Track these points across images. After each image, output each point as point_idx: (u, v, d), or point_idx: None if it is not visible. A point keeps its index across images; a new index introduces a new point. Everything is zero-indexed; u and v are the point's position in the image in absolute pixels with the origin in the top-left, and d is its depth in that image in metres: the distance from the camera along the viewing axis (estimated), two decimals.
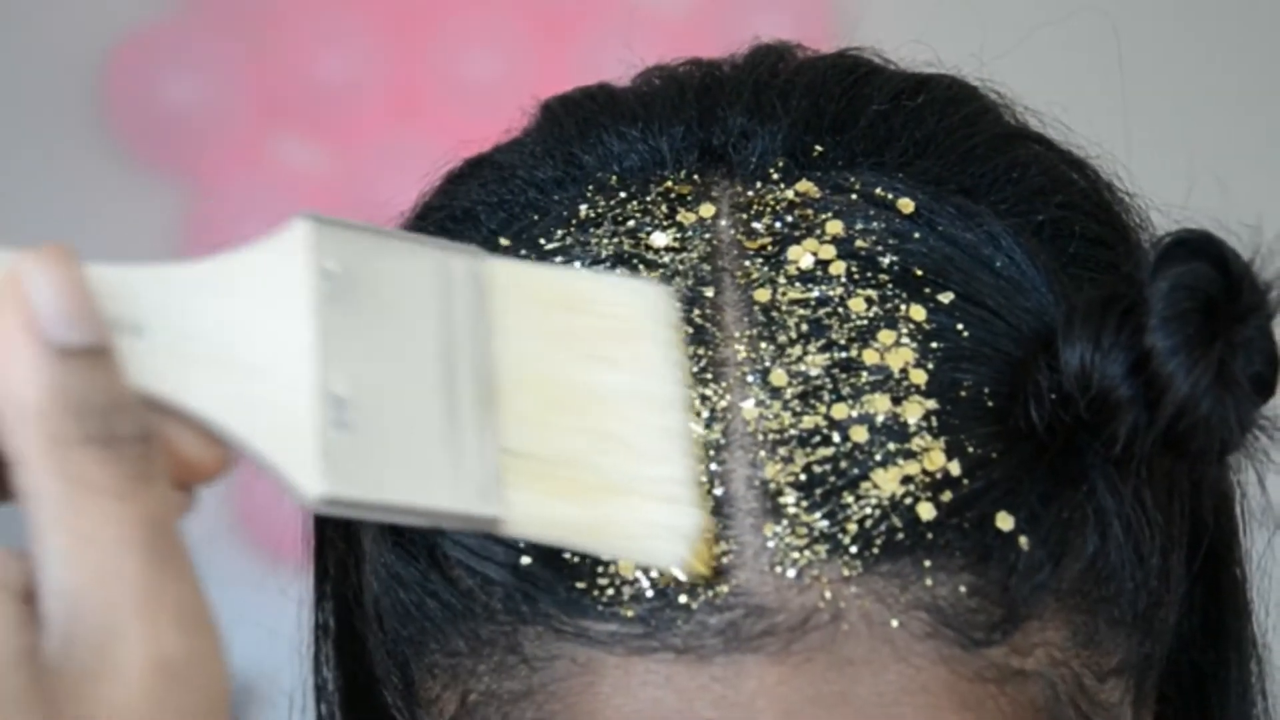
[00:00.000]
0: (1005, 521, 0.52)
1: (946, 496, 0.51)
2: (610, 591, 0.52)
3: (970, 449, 0.52)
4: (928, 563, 0.51)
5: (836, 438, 0.51)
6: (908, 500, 0.51)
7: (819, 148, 0.57)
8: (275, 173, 2.87)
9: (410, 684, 0.57)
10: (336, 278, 0.50)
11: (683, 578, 0.52)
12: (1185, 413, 0.51)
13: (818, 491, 0.51)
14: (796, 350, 0.53)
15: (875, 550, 0.51)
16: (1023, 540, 0.52)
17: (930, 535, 0.51)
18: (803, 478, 0.51)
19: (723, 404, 0.52)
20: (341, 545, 0.64)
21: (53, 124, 3.03)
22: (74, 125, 3.01)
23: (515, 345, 0.51)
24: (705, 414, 0.52)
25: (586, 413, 0.51)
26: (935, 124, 0.59)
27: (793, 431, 0.52)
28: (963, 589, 0.51)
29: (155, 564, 0.49)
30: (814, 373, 0.52)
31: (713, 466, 0.51)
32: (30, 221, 3.09)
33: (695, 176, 0.57)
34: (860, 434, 0.52)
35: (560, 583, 0.52)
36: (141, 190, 2.99)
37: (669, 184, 0.57)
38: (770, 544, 0.51)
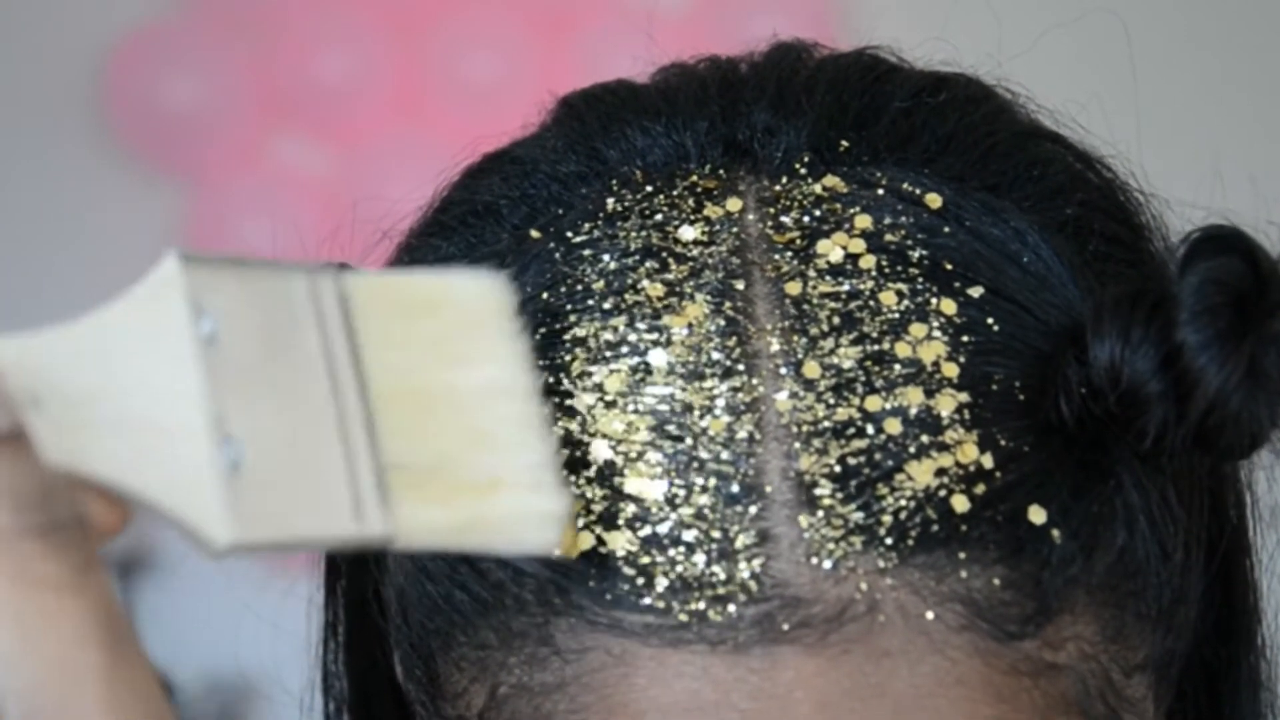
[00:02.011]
0: (1038, 515, 0.52)
1: (980, 489, 0.51)
2: (642, 582, 0.51)
3: (1002, 442, 0.52)
4: (962, 555, 0.51)
5: (870, 430, 0.52)
6: (942, 492, 0.51)
7: (844, 143, 0.58)
8: (275, 173, 2.88)
9: (435, 677, 0.57)
10: (214, 317, 0.51)
11: (554, 557, 0.52)
12: (1216, 408, 0.51)
13: (852, 483, 0.51)
14: (829, 343, 0.53)
15: (910, 542, 0.51)
16: (1055, 533, 0.52)
17: (964, 528, 0.51)
18: (837, 469, 0.51)
19: (756, 396, 0.52)
20: None
21: (53, 124, 3.03)
22: (74, 125, 3.01)
23: (382, 358, 0.51)
24: (739, 406, 0.52)
25: (451, 414, 0.51)
26: (956, 121, 0.59)
27: (826, 424, 0.52)
28: (996, 581, 0.51)
29: (113, 652, 0.48)
30: (847, 365, 0.52)
31: (749, 460, 0.51)
32: (30, 221, 3.09)
33: (720, 171, 0.57)
34: (894, 426, 0.52)
35: (593, 574, 0.52)
36: (141, 190, 2.99)
37: (694, 178, 0.57)
38: (806, 535, 0.51)
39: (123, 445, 0.50)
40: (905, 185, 0.56)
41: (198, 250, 0.52)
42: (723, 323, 0.53)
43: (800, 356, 0.53)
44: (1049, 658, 0.52)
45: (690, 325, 0.54)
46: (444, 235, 0.61)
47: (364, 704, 0.68)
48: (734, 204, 0.56)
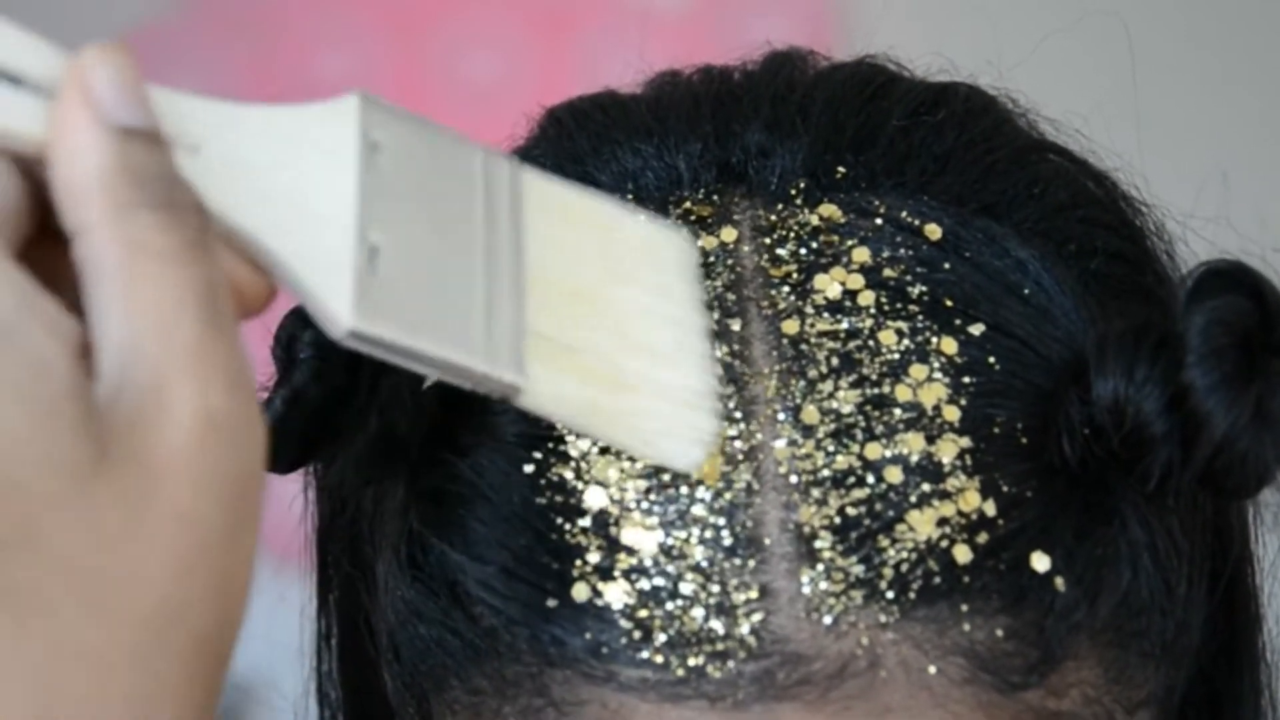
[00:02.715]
0: (1040, 562, 0.51)
1: (982, 538, 0.51)
2: (639, 636, 0.51)
3: (1005, 488, 0.51)
4: (964, 607, 0.50)
5: (870, 479, 0.51)
6: (944, 543, 0.51)
7: (841, 169, 0.57)
8: None
9: (428, 716, 0.56)
10: (381, 149, 0.54)
11: (693, 474, 0.51)
12: (1223, 450, 0.50)
13: (853, 535, 0.51)
14: (828, 386, 0.52)
15: (912, 595, 0.50)
16: (1058, 580, 0.51)
17: (967, 579, 0.51)
18: (837, 521, 0.51)
19: (753, 444, 0.52)
20: (349, 567, 0.64)
21: None
22: None
23: (544, 248, 0.52)
24: (736, 455, 0.51)
25: (606, 317, 0.51)
26: (954, 139, 0.59)
27: (826, 472, 0.51)
28: (999, 632, 0.51)
29: (209, 326, 0.48)
30: (846, 410, 0.52)
31: (747, 512, 0.51)
32: None
33: (714, 197, 0.57)
34: (894, 475, 0.51)
35: (590, 626, 0.51)
36: None
37: (688, 205, 0.57)
38: (806, 590, 0.51)
39: (273, 214, 0.52)
40: (904, 215, 0.55)
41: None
42: (719, 364, 0.53)
43: (798, 401, 0.52)
44: (1052, 706, 0.51)
45: None
46: None
47: (358, 714, 0.68)
48: (729, 234, 0.55)
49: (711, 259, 0.55)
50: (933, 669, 0.50)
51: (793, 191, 0.56)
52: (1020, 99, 0.62)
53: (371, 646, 0.62)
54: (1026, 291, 0.55)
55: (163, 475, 0.46)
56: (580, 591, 0.52)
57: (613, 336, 0.52)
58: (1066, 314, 0.55)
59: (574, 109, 0.62)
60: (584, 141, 0.60)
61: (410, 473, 0.56)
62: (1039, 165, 0.59)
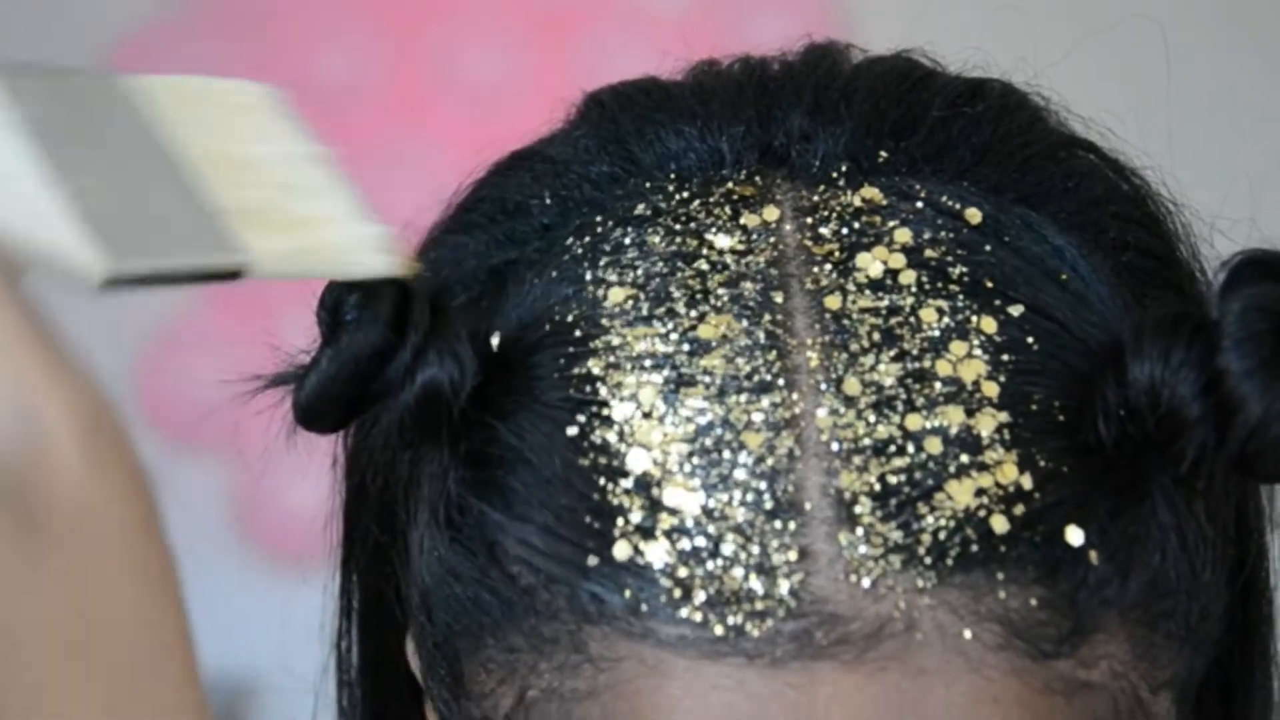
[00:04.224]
0: (1075, 536, 0.52)
1: (1019, 510, 0.52)
2: (679, 594, 0.51)
3: (1041, 463, 0.52)
4: (1000, 575, 0.51)
5: (911, 448, 0.52)
6: (981, 513, 0.51)
7: (882, 153, 0.58)
8: None
9: (460, 677, 0.56)
10: (41, 112, 0.54)
11: (394, 275, 0.54)
12: (1258, 434, 0.51)
13: (892, 502, 0.51)
14: (869, 359, 0.53)
15: (949, 562, 0.51)
16: (1092, 554, 0.52)
17: (1003, 548, 0.51)
18: (877, 488, 0.51)
19: (795, 412, 0.52)
20: (379, 535, 0.64)
21: None
22: None
23: (195, 134, 0.56)
24: (779, 422, 0.52)
25: (259, 173, 0.57)
26: (991, 131, 0.59)
27: (867, 441, 0.52)
28: (1033, 602, 0.51)
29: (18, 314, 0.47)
30: (887, 383, 0.52)
31: (789, 476, 0.52)
32: None
33: (756, 178, 0.57)
34: (934, 445, 0.52)
35: (630, 584, 0.52)
36: None
37: (730, 185, 0.57)
38: (845, 553, 0.51)
39: None
40: (944, 199, 0.56)
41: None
42: (761, 336, 0.53)
43: (840, 373, 0.52)
44: (1082, 676, 0.52)
45: (727, 336, 0.53)
46: (469, 231, 0.61)
47: (377, 690, 0.67)
48: (771, 213, 0.56)
49: (754, 236, 0.55)
50: (968, 634, 0.51)
51: (834, 174, 0.57)
52: (1052, 97, 0.62)
53: (400, 613, 0.62)
54: (1064, 277, 0.55)
55: None
56: (621, 550, 0.52)
57: (276, 188, 0.57)
58: (1103, 301, 0.56)
59: (617, 92, 0.62)
60: (627, 123, 0.60)
61: (451, 436, 0.55)
62: (1072, 160, 0.60)
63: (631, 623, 0.52)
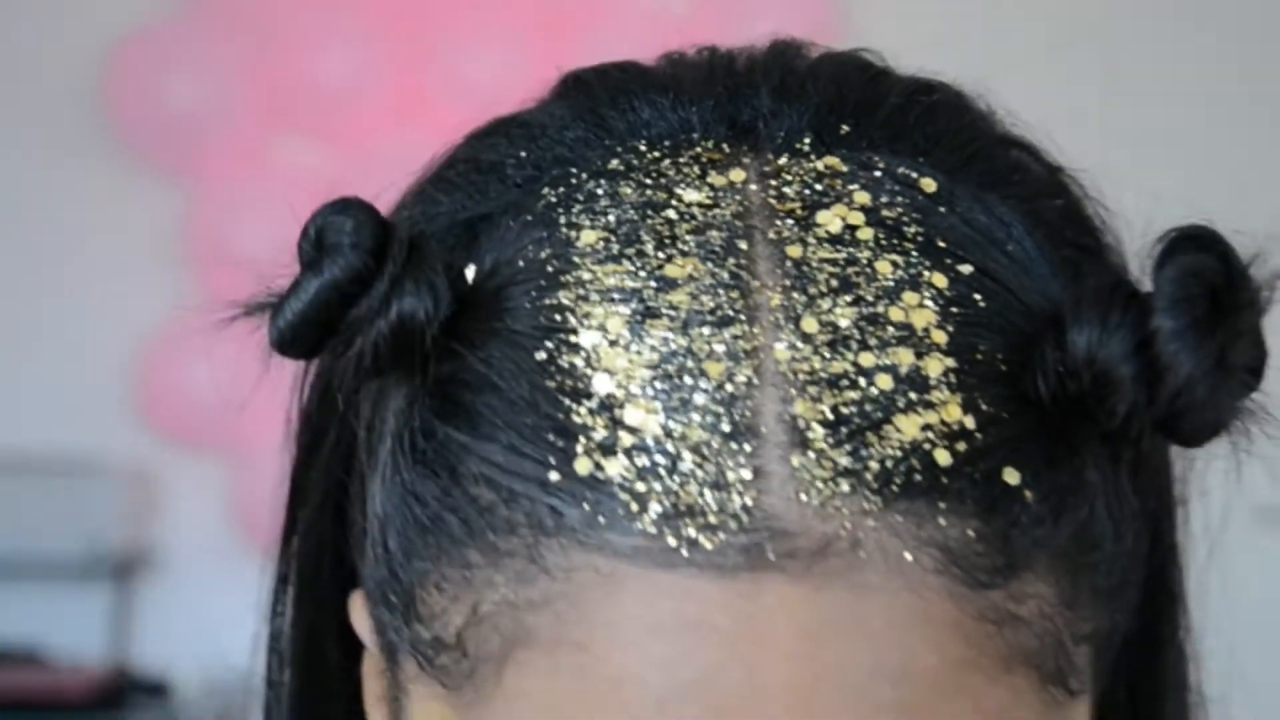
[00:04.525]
0: (1012, 476, 0.54)
1: (961, 447, 0.54)
2: (636, 507, 0.53)
3: (984, 406, 0.54)
4: (941, 504, 0.53)
5: (863, 383, 0.54)
6: (926, 446, 0.54)
7: (844, 127, 0.60)
8: (275, 173, 2.88)
9: (411, 601, 0.58)
10: None
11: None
12: (1184, 393, 0.53)
13: (843, 430, 0.53)
14: (826, 303, 0.55)
15: (894, 488, 0.53)
16: (1027, 494, 0.54)
17: (945, 480, 0.53)
18: (830, 416, 0.54)
19: (755, 345, 0.55)
20: (339, 473, 0.65)
21: (53, 124, 3.03)
22: (74, 125, 3.02)
23: None
24: (739, 353, 0.54)
25: None
26: (946, 123, 0.62)
27: (822, 374, 0.54)
28: (970, 533, 0.54)
29: None
30: (843, 323, 0.55)
31: (746, 402, 0.54)
32: (30, 221, 3.09)
33: (724, 145, 0.60)
34: (885, 382, 0.54)
35: (589, 497, 0.53)
36: (141, 190, 2.99)
37: (699, 150, 0.59)
38: (797, 474, 0.53)
39: None
40: (901, 170, 0.59)
41: None
42: (725, 276, 0.56)
43: (799, 312, 0.55)
44: (1013, 609, 0.54)
45: (693, 276, 0.56)
46: (443, 190, 0.62)
47: (308, 661, 0.69)
48: (737, 174, 0.58)
49: (721, 193, 0.58)
50: (909, 556, 0.53)
51: (798, 145, 0.59)
52: (999, 104, 0.64)
53: (340, 579, 0.65)
54: (1010, 248, 0.58)
55: None
56: (582, 465, 0.53)
57: None
58: (1045, 275, 0.58)
59: (594, 69, 0.65)
60: (602, 94, 0.63)
61: (421, 364, 0.57)
62: (1017, 156, 0.63)
63: (588, 534, 0.53)
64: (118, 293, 2.99)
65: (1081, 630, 0.56)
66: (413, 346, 0.56)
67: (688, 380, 0.54)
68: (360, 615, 0.63)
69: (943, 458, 0.54)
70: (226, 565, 2.91)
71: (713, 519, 0.53)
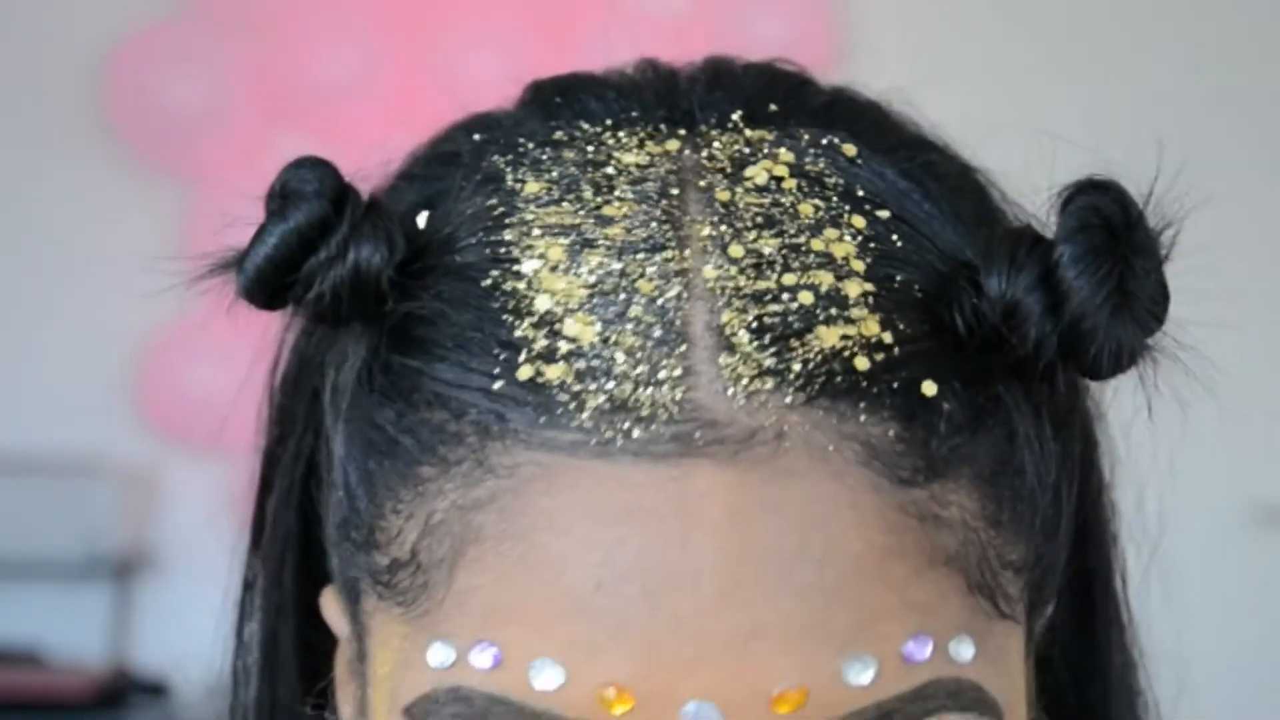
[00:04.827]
0: (929, 388, 0.58)
1: (879, 357, 0.58)
2: (574, 405, 0.57)
3: (901, 326, 0.58)
4: (862, 405, 0.57)
5: (785, 298, 0.58)
6: (846, 353, 0.57)
7: (773, 106, 0.65)
8: (275, 173, 2.88)
9: (371, 532, 0.61)
10: None
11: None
12: (1085, 317, 0.57)
13: (767, 336, 0.57)
14: (752, 235, 0.59)
15: (816, 387, 0.57)
16: (945, 406, 0.58)
17: (864, 384, 0.57)
18: (754, 325, 0.58)
19: (685, 266, 0.59)
20: (302, 425, 0.69)
21: (53, 124, 3.03)
22: (74, 125, 3.02)
23: None
24: (670, 273, 0.59)
25: None
26: (867, 117, 0.66)
27: (747, 290, 0.58)
28: (891, 434, 0.57)
29: None
30: (767, 250, 0.59)
31: (677, 314, 0.58)
32: (30, 221, 3.09)
33: (662, 126, 0.64)
34: (807, 297, 0.58)
35: (530, 400, 0.57)
36: (141, 190, 2.99)
37: (637, 128, 0.64)
38: (724, 372, 0.57)
39: None
40: (824, 139, 0.63)
41: None
42: (658, 213, 0.60)
43: (726, 241, 0.59)
44: (936, 511, 0.58)
45: (627, 215, 0.60)
46: (406, 180, 0.67)
47: (275, 662, 0.71)
48: (672, 144, 0.63)
49: (656, 158, 0.62)
50: (831, 448, 0.56)
51: (729, 123, 0.64)
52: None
53: (311, 572, 0.68)
54: (927, 207, 0.62)
55: None
56: (524, 372, 0.58)
57: None
58: (957, 231, 0.62)
59: (552, 77, 0.70)
60: (551, 91, 0.68)
61: (378, 306, 0.61)
62: (937, 153, 0.67)
63: (530, 433, 0.57)
64: (118, 293, 2.99)
65: (1008, 555, 0.59)
66: (370, 290, 0.60)
67: (622, 296, 0.58)
68: (333, 607, 0.66)
69: (862, 364, 0.57)
70: (226, 565, 2.91)
71: (645, 412, 0.56)
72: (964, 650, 0.57)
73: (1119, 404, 0.66)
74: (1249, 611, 2.79)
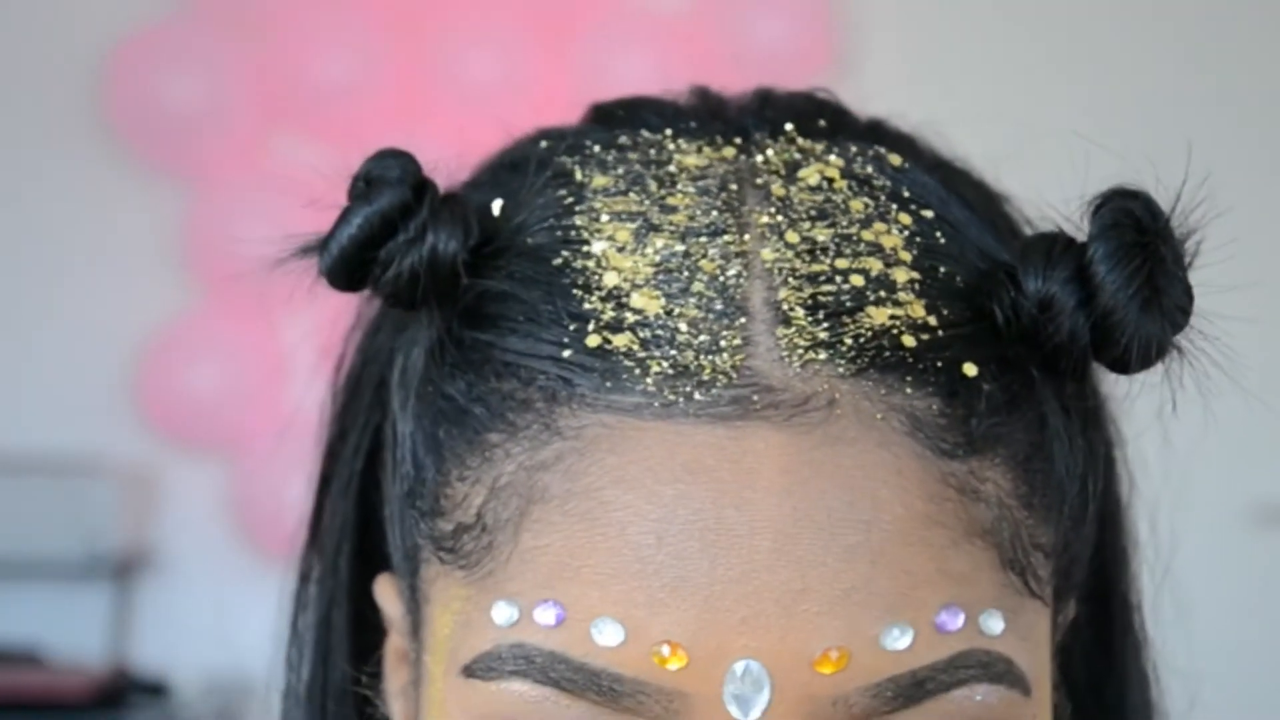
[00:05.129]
0: (971, 369, 0.61)
1: (925, 337, 0.61)
2: (639, 371, 0.60)
3: (945, 311, 0.62)
4: (909, 379, 0.60)
5: (838, 279, 0.62)
6: (894, 331, 0.61)
7: (822, 122, 0.69)
8: (275, 173, 2.88)
9: (437, 500, 0.64)
10: None
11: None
12: (1115, 310, 0.60)
13: (821, 312, 0.61)
14: (806, 225, 0.63)
15: (866, 360, 0.60)
16: (985, 387, 0.61)
17: (910, 360, 0.61)
18: (809, 301, 0.61)
19: (745, 249, 0.63)
20: (366, 415, 0.71)
21: (53, 124, 3.03)
22: (74, 125, 3.01)
23: None
24: (731, 254, 0.62)
25: None
26: (906, 142, 0.70)
27: (803, 271, 0.62)
28: (934, 408, 0.60)
29: None
30: (820, 238, 0.63)
31: (737, 290, 0.62)
32: (30, 221, 3.09)
33: (718, 137, 0.68)
34: (858, 280, 0.62)
35: (598, 366, 0.61)
36: (141, 190, 2.99)
37: (695, 137, 0.68)
38: (780, 342, 0.60)
39: None
40: (870, 150, 0.67)
41: None
42: (719, 204, 0.64)
43: (783, 230, 0.63)
44: (974, 484, 0.61)
45: (690, 204, 0.64)
46: (474, 186, 0.69)
47: (328, 650, 0.74)
48: (729, 151, 0.67)
49: (714, 161, 0.66)
50: (879, 416, 0.60)
51: (781, 134, 0.68)
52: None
53: (366, 560, 0.71)
54: (967, 214, 0.67)
55: None
56: (592, 340, 0.61)
57: None
58: (994, 239, 0.66)
59: (614, 98, 0.74)
60: (616, 110, 0.71)
61: (450, 289, 0.64)
62: (969, 175, 0.71)
63: (597, 397, 0.60)
64: (118, 293, 2.99)
65: (1038, 538, 0.62)
66: (445, 272, 0.63)
67: (685, 274, 0.62)
68: (387, 592, 0.69)
69: (909, 341, 0.61)
70: (226, 565, 2.91)
71: (706, 376, 0.60)
72: (994, 624, 0.60)
73: (1130, 418, 0.69)
74: (1249, 611, 2.79)
